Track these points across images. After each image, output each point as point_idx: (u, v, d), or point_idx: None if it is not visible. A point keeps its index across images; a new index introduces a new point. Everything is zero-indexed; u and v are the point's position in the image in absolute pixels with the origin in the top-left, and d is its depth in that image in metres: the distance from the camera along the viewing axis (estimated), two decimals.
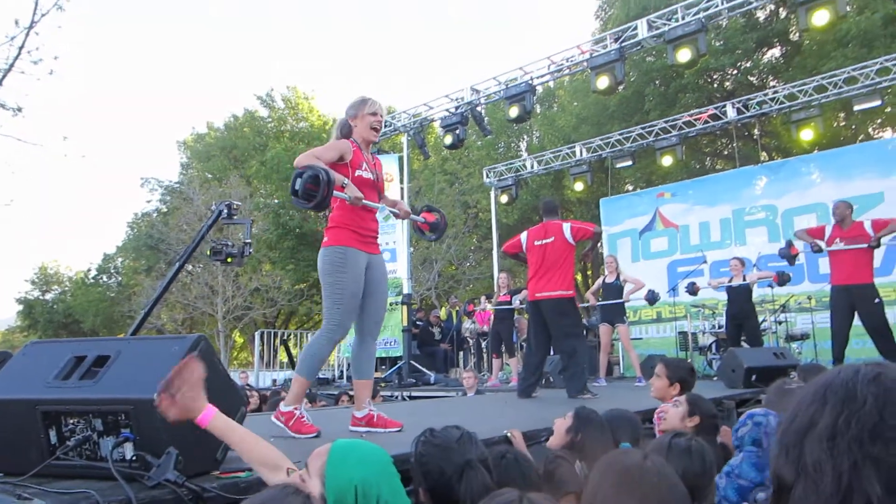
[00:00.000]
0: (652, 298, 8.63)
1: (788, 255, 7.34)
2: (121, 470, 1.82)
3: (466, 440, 1.84)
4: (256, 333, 13.31)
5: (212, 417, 1.77)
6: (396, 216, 3.77)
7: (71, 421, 2.00)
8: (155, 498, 1.77)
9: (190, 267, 25.44)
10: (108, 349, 2.13)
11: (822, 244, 6.78)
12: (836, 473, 0.68)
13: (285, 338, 14.26)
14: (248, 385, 10.72)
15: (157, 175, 36.00)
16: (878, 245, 6.50)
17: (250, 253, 6.68)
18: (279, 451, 1.77)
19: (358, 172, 3.34)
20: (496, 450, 2.02)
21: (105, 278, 30.53)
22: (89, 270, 30.63)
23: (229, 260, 6.23)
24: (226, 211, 5.91)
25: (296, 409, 3.18)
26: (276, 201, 24.92)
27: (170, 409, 1.71)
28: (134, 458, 1.91)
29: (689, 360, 9.39)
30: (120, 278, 29.54)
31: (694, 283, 9.28)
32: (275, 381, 12.06)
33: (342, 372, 12.23)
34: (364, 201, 3.24)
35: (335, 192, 3.06)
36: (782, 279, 8.13)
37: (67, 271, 33.11)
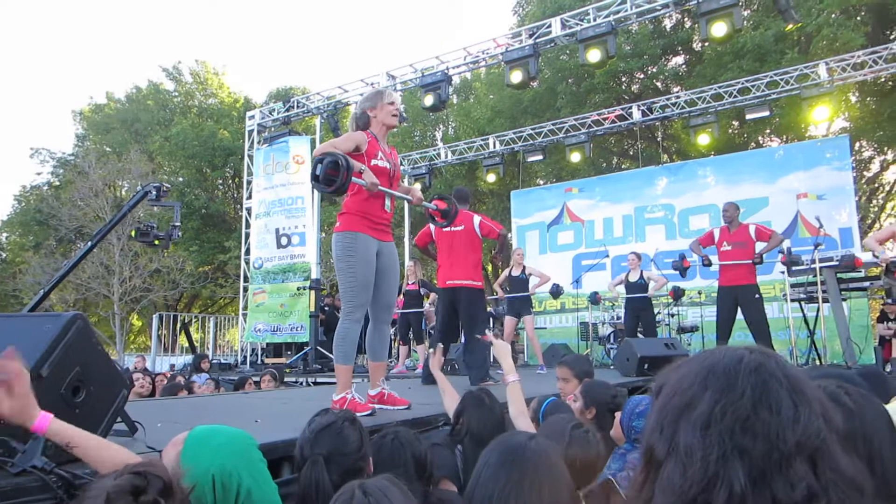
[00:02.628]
0: (556, 292, 9.03)
1: (681, 267, 7.90)
2: None
3: (326, 432, 1.81)
4: (154, 316, 12.72)
5: (48, 425, 1.59)
6: (409, 202, 3.90)
7: None
8: (19, 486, 1.65)
9: (83, 244, 23.96)
10: None
11: (714, 258, 7.25)
12: (705, 462, 0.70)
13: (186, 322, 13.69)
14: (144, 370, 10.22)
15: (49, 146, 33.44)
16: (761, 262, 7.06)
17: (178, 236, 6.74)
18: (128, 452, 1.63)
19: (374, 162, 3.47)
20: (381, 432, 2.04)
21: None
22: None
23: (156, 242, 6.27)
24: (154, 192, 5.92)
25: (346, 394, 3.32)
26: (180, 179, 23.79)
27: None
28: None
29: (586, 352, 9.81)
30: (4, 255, 27.34)
31: (596, 294, 9.90)
32: (172, 366, 11.56)
33: (245, 357, 11.89)
34: (381, 188, 3.36)
35: (353, 177, 3.19)
36: (677, 294, 8.90)
37: None
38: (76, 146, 27.05)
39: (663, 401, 0.80)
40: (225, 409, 4.13)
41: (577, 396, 3.02)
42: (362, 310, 3.46)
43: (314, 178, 3.20)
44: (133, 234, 6.30)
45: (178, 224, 6.23)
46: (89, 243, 5.93)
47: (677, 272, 7.97)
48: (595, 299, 9.89)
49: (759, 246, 7.10)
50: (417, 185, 3.70)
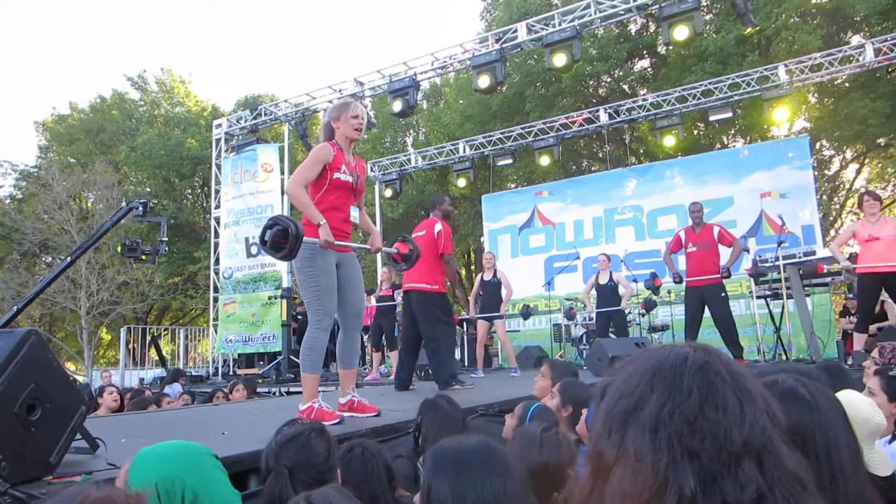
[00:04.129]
0: (526, 314, 9.35)
1: (653, 286, 8.43)
2: None
3: (292, 443, 1.79)
4: (123, 330, 12.45)
5: None
6: (368, 251, 3.89)
7: None
8: None
9: (49, 259, 23.35)
10: None
11: (683, 274, 7.40)
12: (656, 467, 0.69)
13: (156, 334, 13.45)
14: (110, 385, 10.01)
15: (11, 158, 32.68)
16: (729, 275, 7.23)
17: (166, 251, 6.88)
18: None
19: (336, 175, 3.51)
20: (346, 445, 2.03)
21: None
22: None
23: (144, 257, 6.45)
24: (141, 208, 6.03)
25: (313, 403, 3.34)
26: (148, 190, 23.37)
27: None
28: None
29: (565, 358, 9.90)
30: None
31: (571, 309, 10.16)
32: (142, 379, 11.34)
33: (217, 369, 11.72)
34: (335, 241, 3.38)
35: (305, 238, 3.24)
36: (649, 306, 9.13)
37: None
38: (39, 158, 26.43)
39: (609, 403, 0.78)
40: (192, 422, 4.07)
41: (553, 394, 3.05)
42: (330, 318, 3.47)
43: (262, 242, 3.25)
44: (119, 249, 6.38)
45: (165, 239, 6.39)
46: (68, 258, 5.99)
47: (649, 290, 8.34)
48: (570, 315, 10.07)
49: (722, 249, 7.25)
50: (375, 232, 3.67)
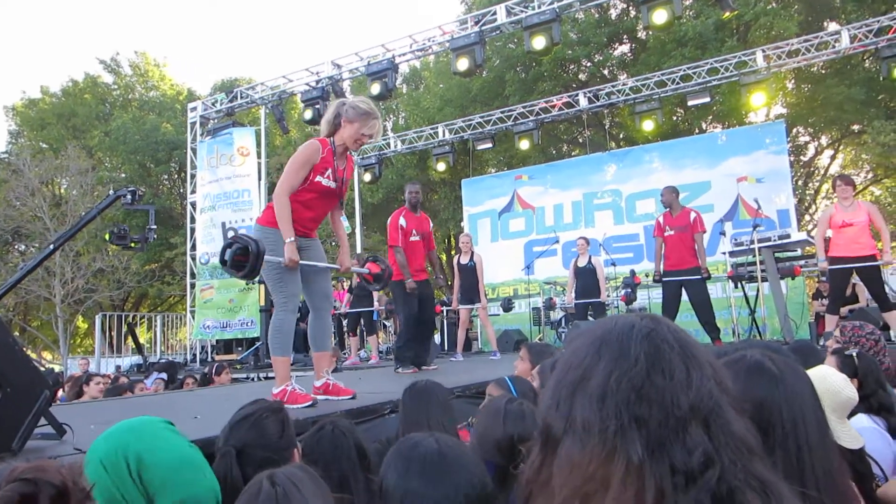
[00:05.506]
0: (507, 307, 9.38)
1: (633, 284, 8.67)
2: None
3: (243, 423, 1.76)
4: (97, 317, 12.28)
5: None
6: (338, 271, 3.87)
7: None
8: None
9: (23, 247, 22.89)
10: None
11: (661, 269, 7.44)
12: (603, 435, 0.69)
13: (132, 321, 13.27)
14: (99, 374, 9.87)
15: None
16: (709, 276, 7.29)
17: (154, 239, 7.06)
18: None
19: (318, 178, 3.40)
20: (318, 424, 2.00)
21: None
22: None
23: (133, 245, 6.54)
24: (130, 197, 6.02)
25: (286, 386, 3.30)
26: (123, 175, 22.99)
27: None
28: None
29: (544, 340, 9.97)
30: None
31: (551, 299, 10.22)
32: (118, 367, 11.21)
33: (195, 355, 11.61)
34: (301, 262, 3.34)
35: (267, 257, 3.21)
36: (629, 300, 9.22)
37: None
38: (9, 143, 25.85)
39: (558, 376, 0.78)
40: (166, 407, 4.02)
41: (533, 376, 3.05)
42: (295, 299, 3.44)
43: (222, 262, 3.22)
44: (108, 237, 6.43)
45: (153, 227, 6.47)
46: (50, 246, 6.01)
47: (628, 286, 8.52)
48: (550, 305, 10.12)
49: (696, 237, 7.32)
50: (345, 247, 3.65)
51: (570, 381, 0.75)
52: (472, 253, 8.37)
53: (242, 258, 3.16)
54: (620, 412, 0.69)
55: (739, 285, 7.68)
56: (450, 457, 1.39)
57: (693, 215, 7.31)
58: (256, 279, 11.00)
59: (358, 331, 9.85)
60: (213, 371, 6.76)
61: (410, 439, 1.48)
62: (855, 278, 6.91)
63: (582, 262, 8.87)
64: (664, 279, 7.35)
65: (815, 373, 1.67)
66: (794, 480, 1.00)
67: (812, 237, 7.28)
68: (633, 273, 8.58)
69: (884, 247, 6.22)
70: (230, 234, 11.10)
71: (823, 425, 1.11)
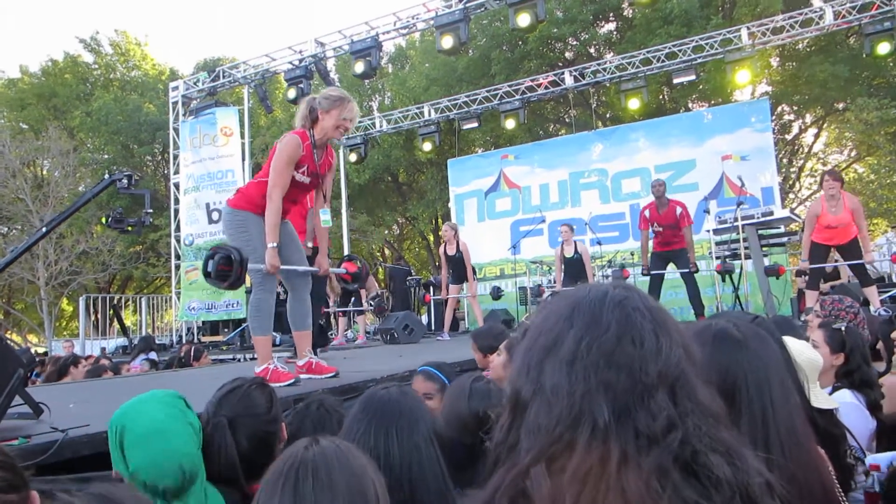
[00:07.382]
0: (496, 295, 9.59)
1: (621, 277, 8.47)
2: None
3: (232, 395, 1.77)
4: (81, 299, 12.19)
5: None
6: (317, 274, 3.83)
7: None
8: None
9: (5, 230, 22.57)
10: None
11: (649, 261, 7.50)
12: (570, 399, 0.70)
13: (117, 303, 13.19)
14: (72, 354, 9.82)
15: None
16: (698, 270, 7.37)
17: (150, 222, 7.18)
18: None
19: (292, 173, 3.39)
20: (305, 402, 2.01)
21: None
22: None
23: (129, 228, 6.72)
24: (125, 181, 6.12)
25: (269, 364, 3.34)
26: (105, 156, 22.67)
27: None
28: None
29: (526, 316, 10.03)
30: None
31: (539, 286, 10.25)
32: (103, 349, 11.14)
33: (181, 337, 11.58)
34: (281, 267, 3.34)
35: (250, 265, 3.21)
36: None
37: None
38: None
39: (528, 342, 0.78)
40: (149, 387, 4.01)
41: (500, 351, 3.06)
42: (273, 279, 3.43)
43: (206, 274, 3.20)
44: (105, 220, 6.56)
45: (150, 210, 6.57)
46: (43, 229, 6.01)
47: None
48: (539, 293, 10.14)
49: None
50: (324, 250, 3.64)
51: (540, 346, 0.76)
52: (458, 242, 8.30)
53: (226, 267, 3.14)
54: (589, 377, 0.70)
55: (723, 261, 7.75)
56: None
57: (679, 210, 7.33)
58: None
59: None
60: (192, 355, 6.73)
61: (378, 391, 1.56)
62: (836, 255, 7.00)
63: (568, 252, 8.67)
64: (652, 254, 7.44)
65: (791, 343, 1.69)
66: (759, 442, 1.02)
67: (796, 215, 7.36)
68: (622, 267, 8.62)
69: (863, 245, 6.34)
70: (214, 215, 11.02)
71: (787, 389, 1.13)
